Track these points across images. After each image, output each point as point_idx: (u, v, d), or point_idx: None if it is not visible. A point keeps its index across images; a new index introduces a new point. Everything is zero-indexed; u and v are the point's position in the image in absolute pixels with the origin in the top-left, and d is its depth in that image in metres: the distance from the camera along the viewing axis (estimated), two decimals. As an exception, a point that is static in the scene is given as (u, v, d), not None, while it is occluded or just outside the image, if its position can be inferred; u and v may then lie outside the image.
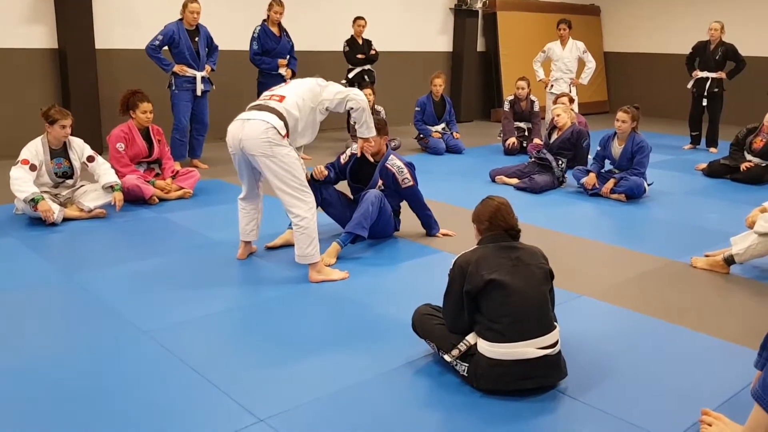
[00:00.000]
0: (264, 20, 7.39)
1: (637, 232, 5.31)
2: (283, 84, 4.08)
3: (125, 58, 7.68)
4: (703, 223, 5.41)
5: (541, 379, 2.70)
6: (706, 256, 4.36)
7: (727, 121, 8.95)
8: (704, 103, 8.60)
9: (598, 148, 6.35)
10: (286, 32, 7.52)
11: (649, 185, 6.13)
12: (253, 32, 7.35)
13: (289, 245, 4.49)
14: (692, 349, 3.21)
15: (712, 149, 8.72)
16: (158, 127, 5.80)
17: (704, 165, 7.39)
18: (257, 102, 3.92)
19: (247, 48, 7.41)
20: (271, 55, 7.39)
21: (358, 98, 3.98)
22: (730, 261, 4.16)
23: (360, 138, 4.27)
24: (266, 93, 4.00)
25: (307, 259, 3.87)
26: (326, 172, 4.55)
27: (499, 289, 2.65)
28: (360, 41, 8.65)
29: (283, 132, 3.74)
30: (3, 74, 7.05)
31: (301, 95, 3.90)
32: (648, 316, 3.55)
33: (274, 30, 7.40)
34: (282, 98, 3.84)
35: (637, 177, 6.02)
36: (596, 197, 6.15)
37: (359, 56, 8.59)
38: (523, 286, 2.68)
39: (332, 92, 3.99)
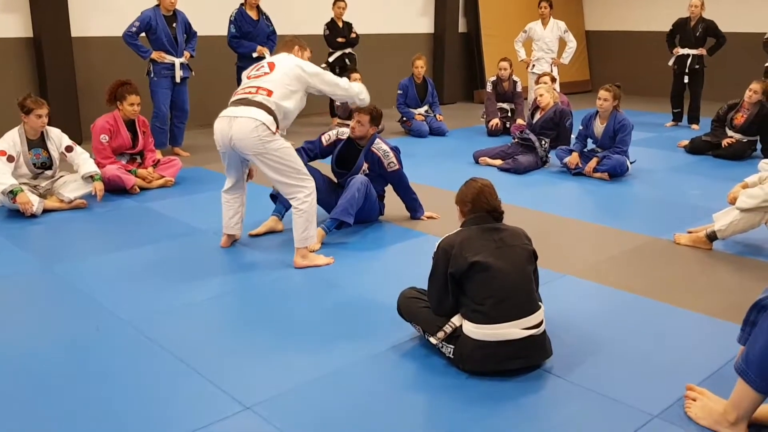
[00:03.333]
0: (242, 3, 7.29)
1: (620, 210, 5.33)
2: (264, 68, 3.91)
3: (102, 46, 7.56)
4: (685, 200, 5.44)
5: (527, 359, 2.71)
6: (689, 232, 4.39)
7: (708, 97, 8.97)
8: (686, 80, 8.62)
9: (581, 128, 6.35)
10: (266, 15, 7.42)
11: (631, 163, 6.15)
12: (230, 15, 7.25)
13: (272, 232, 4.47)
14: (676, 325, 3.23)
15: (694, 126, 8.75)
16: (144, 119, 5.73)
17: (686, 142, 7.42)
18: (242, 95, 3.79)
19: (226, 33, 7.32)
20: (249, 38, 7.30)
21: (365, 98, 4.15)
22: (712, 237, 4.19)
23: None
24: (250, 84, 3.85)
25: (304, 242, 3.87)
26: None
27: (483, 271, 2.65)
28: (340, 24, 8.57)
29: (273, 127, 3.69)
30: (-23, 64, 6.92)
31: (288, 85, 3.81)
32: (632, 293, 3.57)
33: (252, 14, 7.30)
34: (270, 92, 3.74)
35: (620, 155, 6.03)
36: (579, 176, 6.16)
37: (339, 39, 8.52)
38: (506, 267, 2.68)
39: (331, 84, 3.99)
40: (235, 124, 3.67)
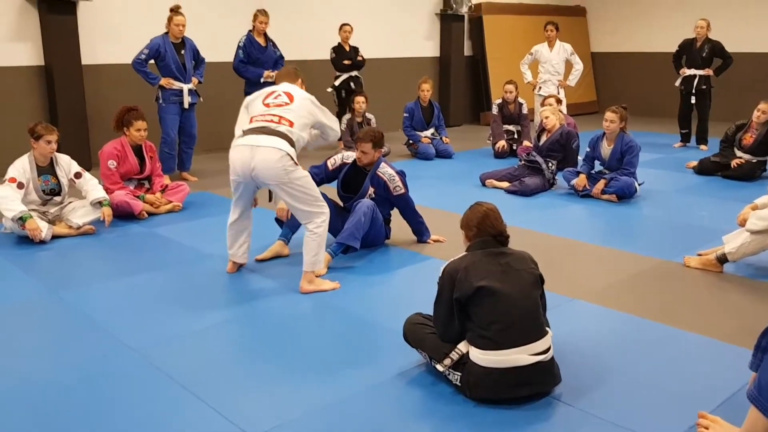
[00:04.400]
0: (249, 30, 7.37)
1: (629, 233, 5.29)
2: (282, 97, 3.90)
3: (112, 73, 7.65)
4: (695, 222, 5.40)
5: (535, 385, 2.67)
6: (699, 255, 4.35)
7: (716, 118, 8.96)
8: (693, 101, 8.61)
9: (588, 149, 6.34)
10: (273, 42, 7.50)
11: (639, 185, 6.12)
12: (239, 42, 7.33)
13: (279, 257, 4.47)
14: (687, 350, 3.19)
15: (703, 147, 8.72)
16: (151, 144, 5.77)
17: (695, 163, 7.39)
18: (263, 123, 3.78)
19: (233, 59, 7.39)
20: (257, 65, 7.37)
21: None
22: (723, 259, 4.15)
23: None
24: (270, 112, 3.83)
25: (314, 266, 3.88)
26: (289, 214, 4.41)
27: (489, 296, 2.63)
28: (347, 48, 8.64)
29: (295, 157, 3.76)
30: (-12, 92, 7.01)
31: (304, 117, 3.89)
32: (642, 317, 3.53)
33: (260, 40, 7.38)
34: (291, 123, 3.79)
35: (628, 177, 6.01)
36: (587, 198, 6.13)
37: (346, 62, 8.58)
38: (513, 292, 2.65)
39: (332, 120, 4.14)
40: (259, 154, 3.67)
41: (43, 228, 4.79)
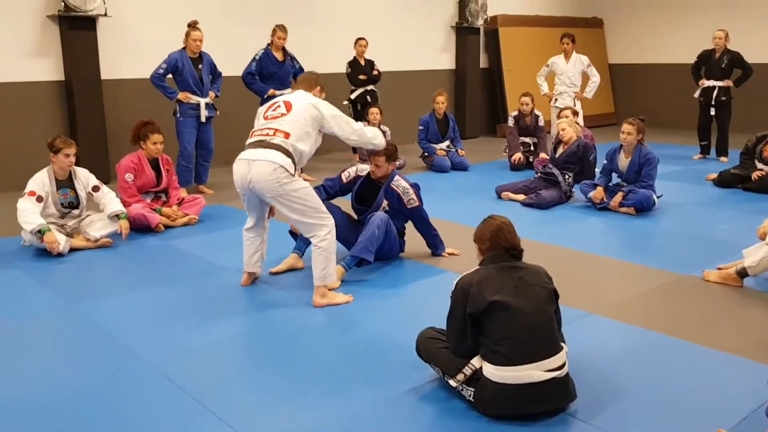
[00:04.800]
0: (268, 44, 7.42)
1: (647, 246, 5.23)
2: (280, 107, 3.91)
3: (131, 88, 7.73)
4: (714, 235, 5.32)
5: (550, 402, 2.64)
6: (719, 269, 4.28)
7: (736, 129, 8.85)
8: (712, 112, 8.53)
9: (605, 162, 6.29)
10: (291, 56, 7.54)
11: (658, 197, 6.06)
12: (256, 54, 7.37)
13: (293, 270, 4.47)
14: (706, 366, 3.13)
15: (723, 159, 8.62)
16: (167, 157, 5.82)
17: (714, 175, 7.30)
18: (259, 137, 3.81)
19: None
20: (272, 79, 7.41)
21: (379, 143, 4.20)
22: (743, 274, 4.08)
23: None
24: (267, 125, 3.85)
25: (324, 280, 3.87)
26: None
27: (502, 311, 2.60)
28: (362, 62, 8.67)
29: (292, 169, 3.72)
30: (11, 107, 7.10)
31: (304, 126, 3.82)
32: (659, 332, 3.48)
33: (278, 55, 7.42)
34: (287, 135, 3.76)
35: (646, 190, 5.95)
36: (605, 211, 6.08)
37: (361, 77, 8.61)
38: (526, 306, 2.62)
39: (345, 128, 3.98)
40: (254, 167, 3.70)
41: (61, 241, 4.84)
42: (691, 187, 7.14)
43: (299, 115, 3.85)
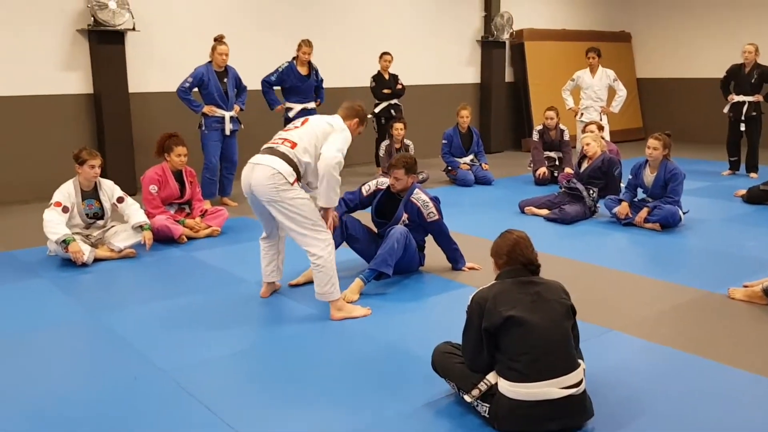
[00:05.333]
0: (294, 58, 7.47)
1: (671, 262, 5.14)
2: (297, 123, 4.02)
3: (157, 101, 7.86)
4: (742, 252, 5.21)
5: (566, 420, 2.59)
6: (745, 286, 4.19)
7: (766, 145, 8.69)
8: (742, 128, 8.39)
9: (630, 177, 6.21)
10: (316, 71, 7.59)
11: (684, 213, 5.95)
12: (279, 66, 7.43)
13: (311, 282, 4.46)
14: (728, 385, 3.05)
15: (753, 174, 8.47)
16: (191, 169, 5.88)
17: (743, 191, 7.16)
18: (270, 144, 3.91)
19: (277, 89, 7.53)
20: (296, 92, 7.47)
21: (330, 168, 3.72)
22: (769, 292, 3.99)
23: (319, 206, 3.92)
24: (280, 134, 3.98)
25: (325, 297, 3.85)
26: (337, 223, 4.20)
27: (518, 326, 2.57)
28: (386, 76, 8.71)
29: (292, 178, 3.73)
30: (41, 120, 7.26)
31: (313, 141, 3.83)
32: (682, 350, 3.41)
33: (302, 69, 7.47)
34: (294, 144, 3.80)
35: (672, 205, 5.85)
36: (630, 227, 5.99)
37: (385, 91, 8.64)
38: (543, 322, 2.58)
39: (334, 150, 3.76)
40: (255, 171, 3.77)
41: (85, 251, 4.91)
42: (719, 203, 7.01)
43: (311, 128, 3.90)
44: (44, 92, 7.26)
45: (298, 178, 3.78)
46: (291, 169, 3.73)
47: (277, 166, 3.70)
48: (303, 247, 3.84)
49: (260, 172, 3.73)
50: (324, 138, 3.86)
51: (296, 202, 3.74)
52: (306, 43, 7.39)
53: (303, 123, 3.97)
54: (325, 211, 3.96)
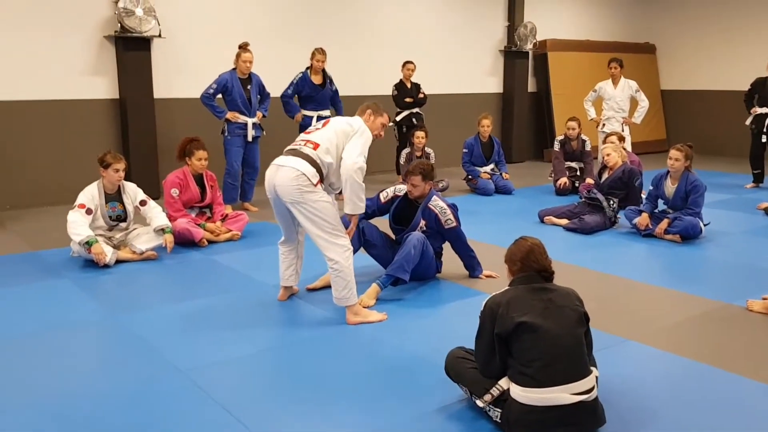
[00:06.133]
0: (307, 68, 7.51)
1: (690, 274, 5.10)
2: (319, 125, 4.08)
3: (182, 107, 7.98)
4: (762, 264, 5.15)
5: (577, 426, 2.59)
6: (764, 299, 4.15)
7: (791, 158, 8.60)
8: (764, 140, 8.30)
9: (651, 188, 6.17)
10: (330, 79, 7.60)
11: (705, 225, 5.90)
12: (294, 78, 7.48)
13: (329, 286, 4.49)
14: (745, 397, 3.03)
15: (776, 188, 8.38)
16: (212, 173, 5.96)
17: (766, 204, 7.08)
18: (292, 146, 3.97)
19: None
20: (312, 102, 7.51)
21: (352, 173, 3.77)
22: (788, 304, 3.95)
23: (346, 213, 3.95)
24: (303, 136, 4.04)
25: (342, 302, 3.88)
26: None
27: (530, 332, 2.58)
28: (408, 85, 8.75)
29: (315, 179, 3.78)
30: (68, 124, 7.41)
31: (334, 141, 3.89)
32: (697, 361, 3.38)
33: (317, 78, 7.47)
34: (316, 145, 3.86)
35: (692, 217, 5.81)
36: (650, 238, 5.95)
37: (407, 100, 8.68)
38: (555, 328, 2.59)
39: (354, 151, 3.82)
40: (280, 172, 3.82)
41: (107, 253, 5.00)
42: (741, 216, 6.94)
43: (332, 128, 3.96)
44: (71, 97, 7.41)
45: (321, 179, 3.83)
46: (314, 170, 3.79)
47: (301, 168, 3.76)
48: (322, 251, 3.88)
49: (284, 174, 3.78)
50: (345, 138, 3.90)
51: (319, 204, 3.78)
52: (319, 51, 7.43)
53: (324, 124, 4.03)
54: (350, 218, 3.98)
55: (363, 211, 3.98)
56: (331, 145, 3.88)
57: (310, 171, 3.77)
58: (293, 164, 3.79)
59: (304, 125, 7.27)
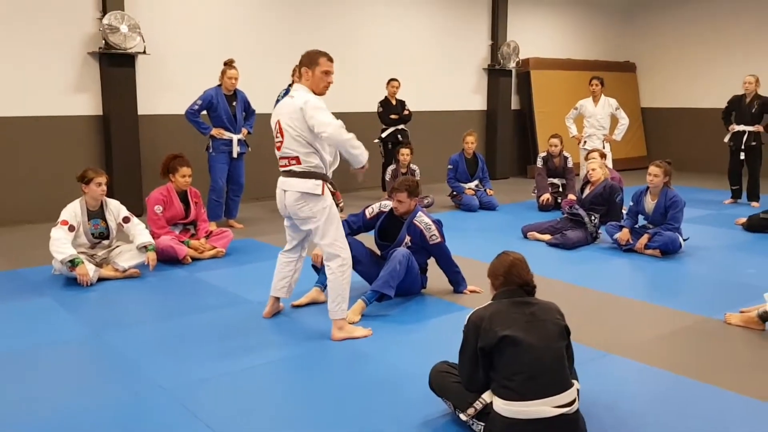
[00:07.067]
0: (289, 85, 7.54)
1: (670, 288, 5.17)
2: (278, 137, 3.92)
3: (166, 123, 7.98)
4: (740, 279, 5.24)
5: (560, 439, 2.61)
6: (741, 312, 4.22)
7: (768, 174, 8.76)
8: (742, 157, 8.47)
9: (631, 203, 6.26)
10: None
11: (685, 240, 5.99)
12: (278, 95, 7.50)
13: (314, 303, 4.52)
14: (725, 409, 3.07)
15: (754, 203, 8.52)
16: (195, 190, 5.96)
17: (744, 219, 7.20)
18: (283, 168, 3.93)
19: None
20: None
21: (336, 136, 3.71)
22: (765, 317, 4.01)
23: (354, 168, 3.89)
24: (280, 156, 3.92)
25: (331, 314, 3.91)
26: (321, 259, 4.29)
27: (513, 346, 2.61)
28: (393, 102, 8.83)
29: (318, 189, 3.82)
30: (51, 140, 7.38)
31: (304, 138, 3.78)
32: (678, 374, 3.43)
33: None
34: (297, 160, 3.83)
35: (672, 232, 5.90)
36: (630, 253, 6.03)
37: (392, 116, 8.76)
38: (537, 342, 2.62)
39: (322, 123, 3.72)
40: (287, 196, 3.91)
41: (90, 270, 4.97)
42: (719, 231, 7.04)
43: (291, 133, 3.81)
44: (54, 113, 7.39)
45: (324, 180, 3.85)
46: (313, 180, 3.83)
47: (301, 188, 3.83)
48: (325, 260, 3.95)
49: (290, 198, 3.89)
50: (300, 122, 3.76)
51: (327, 211, 3.85)
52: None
53: (280, 132, 3.87)
54: (361, 168, 3.87)
55: (365, 159, 3.82)
56: (304, 145, 3.79)
57: (307, 185, 3.82)
58: (293, 187, 3.86)
59: None
